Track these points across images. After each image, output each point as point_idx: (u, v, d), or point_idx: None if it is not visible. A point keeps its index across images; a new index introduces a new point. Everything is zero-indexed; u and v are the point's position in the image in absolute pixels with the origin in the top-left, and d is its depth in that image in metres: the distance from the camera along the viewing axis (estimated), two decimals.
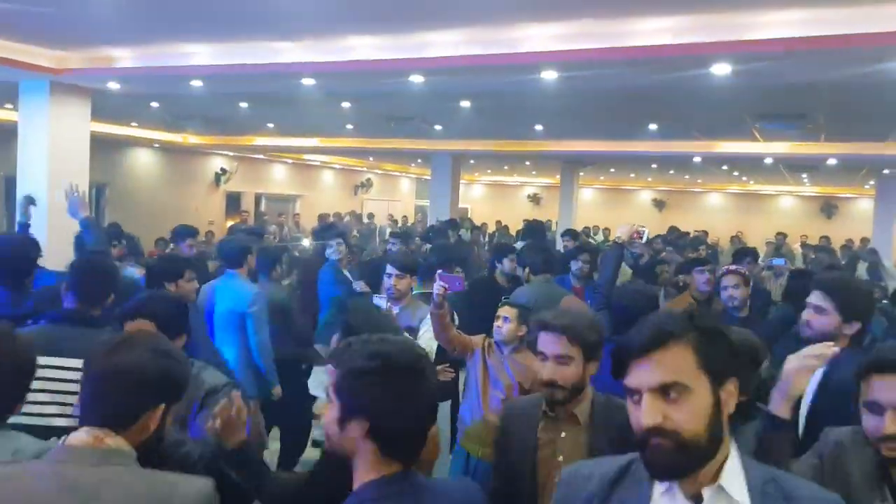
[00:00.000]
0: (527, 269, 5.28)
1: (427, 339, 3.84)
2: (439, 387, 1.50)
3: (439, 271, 3.99)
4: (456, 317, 4.83)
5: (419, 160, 17.78)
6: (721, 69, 4.83)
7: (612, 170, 18.46)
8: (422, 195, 23.47)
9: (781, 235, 15.07)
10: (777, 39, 4.17)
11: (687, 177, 19.40)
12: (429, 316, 3.94)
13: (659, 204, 22.21)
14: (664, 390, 1.20)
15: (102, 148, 10.65)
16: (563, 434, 2.21)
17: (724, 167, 15.37)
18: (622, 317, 3.37)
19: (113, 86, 6.76)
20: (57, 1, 4.59)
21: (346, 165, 20.15)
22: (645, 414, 1.20)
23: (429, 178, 14.57)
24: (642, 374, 1.22)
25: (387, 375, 1.34)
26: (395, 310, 4.00)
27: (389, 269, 4.06)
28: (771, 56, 4.47)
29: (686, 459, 1.19)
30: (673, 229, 13.77)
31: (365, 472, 1.37)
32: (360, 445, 1.36)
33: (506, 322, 3.63)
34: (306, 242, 11.57)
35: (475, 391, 3.43)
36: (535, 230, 8.14)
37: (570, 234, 9.54)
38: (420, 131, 11.27)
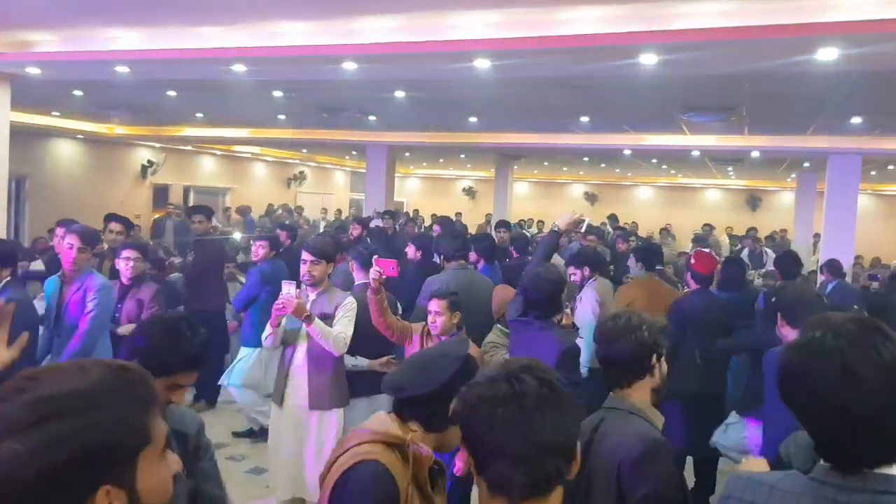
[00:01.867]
0: (442, 257, 5.39)
1: (344, 324, 3.85)
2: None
3: (375, 256, 4.01)
4: (399, 305, 4.89)
5: (354, 152, 17.65)
6: (648, 59, 4.97)
7: (546, 163, 18.80)
8: (357, 188, 23.29)
9: (708, 227, 15.70)
10: (702, 29, 4.31)
11: (617, 170, 19.92)
12: (345, 302, 3.94)
13: (591, 197, 22.71)
14: None
15: (22, 138, 10.18)
16: None
17: (654, 160, 15.86)
18: (529, 299, 3.45)
19: (33, 71, 6.46)
20: None
21: (279, 158, 19.81)
22: None
23: (363, 171, 14.48)
24: None
25: None
26: (312, 296, 3.97)
27: (305, 255, 4.01)
28: (696, 46, 4.62)
29: None
30: (612, 217, 14.12)
31: None
32: None
33: (438, 316, 3.69)
34: (237, 236, 11.37)
35: None
36: (444, 222, 8.22)
37: (504, 224, 9.71)
38: (354, 122, 11.19)
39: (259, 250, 5.74)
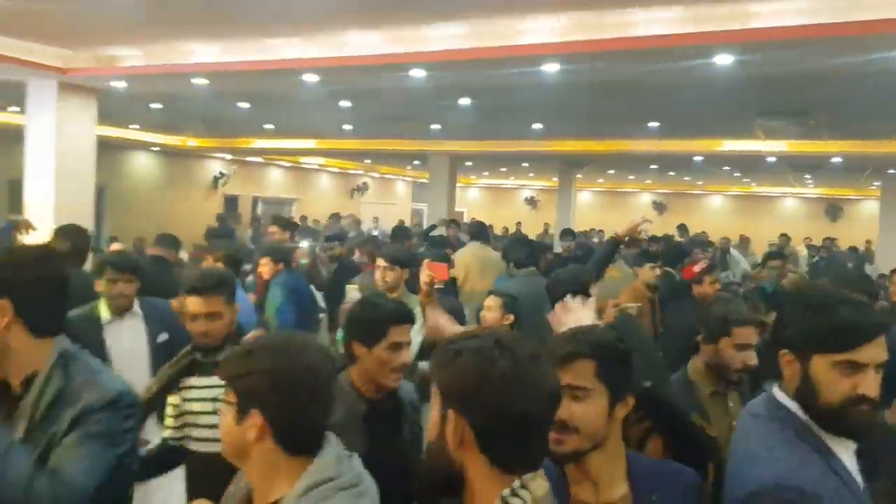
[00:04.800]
0: (511, 264, 5.40)
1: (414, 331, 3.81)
2: None
3: (426, 260, 3.99)
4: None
5: (416, 162, 17.81)
6: (724, 59, 4.84)
7: (611, 171, 18.50)
8: (418, 198, 23.49)
9: (785, 237, 15.11)
10: (782, 28, 4.18)
11: (687, 178, 19.42)
12: (416, 309, 3.93)
13: (659, 206, 22.22)
14: None
15: (103, 150, 10.62)
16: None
17: (726, 168, 15.39)
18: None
19: (118, 85, 6.78)
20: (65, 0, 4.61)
21: (343, 169, 20.17)
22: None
23: (425, 181, 14.59)
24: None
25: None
26: None
27: (380, 261, 4.08)
28: (775, 45, 4.48)
29: None
30: (682, 227, 13.77)
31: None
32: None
33: (489, 312, 3.67)
34: (305, 244, 11.60)
35: None
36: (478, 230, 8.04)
37: (569, 234, 9.59)
38: (418, 132, 11.29)
39: (264, 268, 4.94)
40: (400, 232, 8.69)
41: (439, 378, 1.21)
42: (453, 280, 5.92)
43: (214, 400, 1.60)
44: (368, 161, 19.15)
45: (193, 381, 2.50)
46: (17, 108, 10.21)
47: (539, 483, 1.17)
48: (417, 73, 5.67)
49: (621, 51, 4.74)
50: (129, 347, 3.27)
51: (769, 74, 5.65)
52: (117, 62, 6.21)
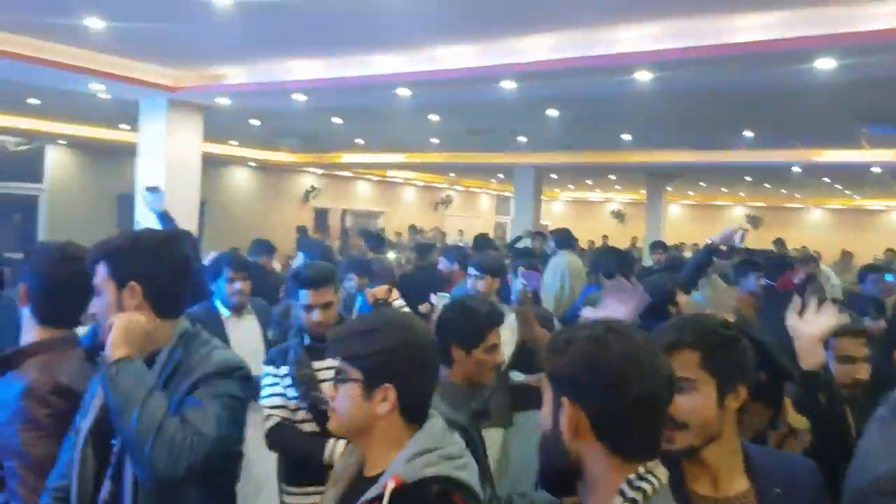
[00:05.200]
0: (600, 275, 5.34)
1: (505, 342, 3.81)
2: None
3: (520, 268, 4.02)
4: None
5: (500, 175, 17.88)
6: (825, 63, 4.68)
7: (703, 184, 17.98)
8: (502, 212, 23.53)
9: (890, 252, 14.22)
10: (888, 30, 4.02)
11: (784, 191, 18.63)
12: (508, 318, 3.95)
13: (753, 220, 21.37)
14: None
15: (204, 165, 11.26)
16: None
17: (826, 179, 14.70)
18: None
19: (223, 101, 7.17)
20: (176, 21, 4.95)
21: (428, 182, 20.49)
22: None
23: (509, 195, 14.63)
24: None
25: None
26: None
27: (471, 270, 4.14)
28: (881, 48, 4.31)
29: None
30: (779, 242, 13.19)
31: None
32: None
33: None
34: (391, 255, 11.87)
35: None
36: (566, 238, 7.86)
37: (659, 246, 9.39)
38: (504, 144, 11.36)
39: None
40: (482, 242, 8.75)
41: (552, 367, 1.20)
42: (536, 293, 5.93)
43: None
44: (453, 174, 19.38)
45: (316, 364, 2.68)
46: (127, 126, 10.96)
47: (662, 471, 1.15)
48: (508, 85, 5.75)
49: (716, 57, 4.67)
50: (247, 343, 3.51)
51: (875, 79, 5.40)
52: (222, 79, 6.60)
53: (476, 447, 1.93)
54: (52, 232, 11.84)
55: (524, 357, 4.18)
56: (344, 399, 1.41)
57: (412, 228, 16.34)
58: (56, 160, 12.90)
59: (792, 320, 1.97)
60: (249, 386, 1.77)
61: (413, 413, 1.41)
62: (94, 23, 5.07)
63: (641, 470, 1.13)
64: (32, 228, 12.47)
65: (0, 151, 12.46)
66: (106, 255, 1.71)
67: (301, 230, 12.23)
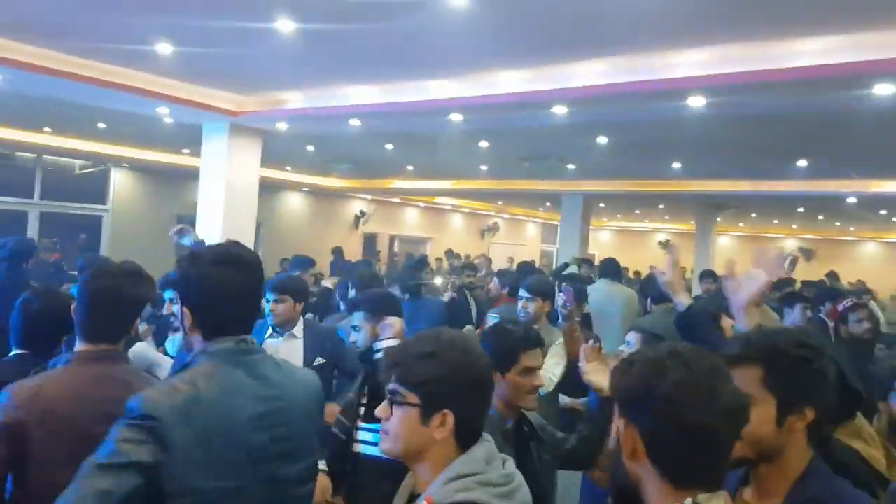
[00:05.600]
0: (648, 299, 5.36)
1: (552, 362, 3.74)
2: None
3: (564, 284, 4.05)
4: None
5: (548, 203, 17.89)
6: (884, 89, 4.64)
7: (754, 215, 17.67)
8: (547, 240, 23.50)
9: None
10: None
11: (838, 223, 18.16)
12: (557, 341, 3.95)
13: (806, 253, 20.86)
14: None
15: (260, 189, 11.66)
16: None
17: (883, 211, 14.31)
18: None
19: (281, 126, 7.42)
20: (240, 46, 5.18)
21: (475, 209, 20.63)
22: None
23: (556, 223, 14.62)
24: None
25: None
26: None
27: (522, 292, 4.19)
28: None
29: None
30: (832, 275, 12.87)
31: None
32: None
33: (628, 346, 3.63)
34: (438, 280, 11.97)
35: None
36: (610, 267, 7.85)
37: (709, 275, 9.27)
38: (552, 171, 11.41)
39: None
40: (528, 269, 8.81)
41: (615, 388, 1.23)
42: (588, 315, 5.95)
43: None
44: (501, 202, 19.48)
45: None
46: (188, 151, 11.38)
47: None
48: (559, 110, 5.83)
49: (771, 82, 4.66)
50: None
51: None
52: (281, 105, 6.84)
53: None
54: (113, 251, 12.29)
55: (574, 378, 4.19)
56: (400, 422, 1.39)
57: (449, 253, 16.49)
58: (120, 182, 13.45)
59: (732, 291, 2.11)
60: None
61: (466, 437, 1.39)
62: (164, 48, 5.33)
63: (688, 502, 1.12)
64: (96, 248, 12.99)
65: (68, 173, 13.07)
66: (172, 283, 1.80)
67: (336, 251, 12.44)
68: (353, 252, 17.10)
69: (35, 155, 12.22)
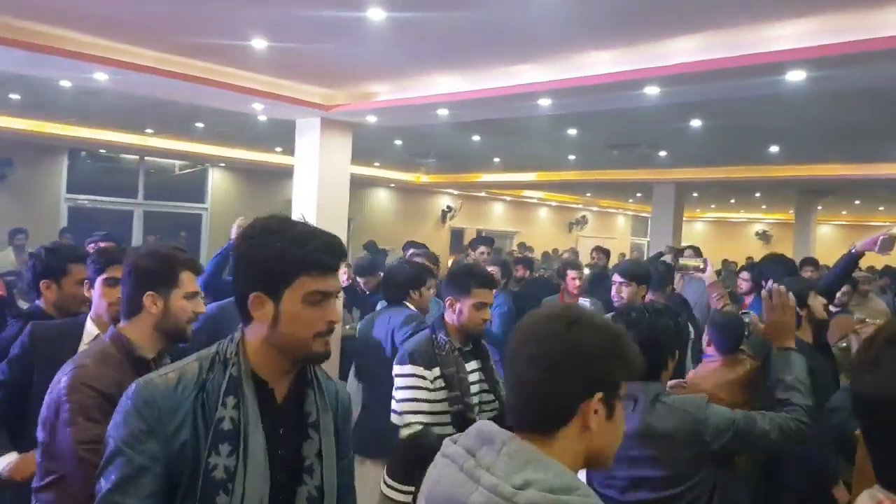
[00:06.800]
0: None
1: None
2: None
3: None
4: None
5: (638, 194, 17.51)
6: None
7: (857, 202, 16.71)
8: (637, 232, 22.98)
9: None
10: None
11: None
12: None
13: None
14: None
15: (350, 186, 12.00)
16: None
17: None
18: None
19: (371, 119, 7.56)
20: (331, 38, 5.33)
21: (562, 202, 20.41)
22: None
23: (646, 215, 14.29)
24: None
25: None
26: None
27: (616, 277, 4.17)
28: None
29: None
30: None
31: None
32: None
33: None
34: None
35: None
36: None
37: (810, 262, 8.85)
38: (643, 160, 11.16)
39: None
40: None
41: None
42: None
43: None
44: (588, 194, 19.21)
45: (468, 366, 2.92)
46: (280, 149, 11.80)
47: None
48: (651, 91, 5.69)
49: (879, 52, 4.39)
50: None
51: None
52: (371, 98, 6.98)
53: None
54: (212, 247, 12.91)
55: None
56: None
57: (522, 246, 16.49)
58: (217, 181, 14.12)
59: None
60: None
61: None
62: (259, 43, 5.51)
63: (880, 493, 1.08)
64: (196, 245, 13.68)
65: (168, 174, 13.82)
66: None
67: (368, 246, 12.72)
68: (442, 248, 17.29)
69: (138, 157, 12.99)
